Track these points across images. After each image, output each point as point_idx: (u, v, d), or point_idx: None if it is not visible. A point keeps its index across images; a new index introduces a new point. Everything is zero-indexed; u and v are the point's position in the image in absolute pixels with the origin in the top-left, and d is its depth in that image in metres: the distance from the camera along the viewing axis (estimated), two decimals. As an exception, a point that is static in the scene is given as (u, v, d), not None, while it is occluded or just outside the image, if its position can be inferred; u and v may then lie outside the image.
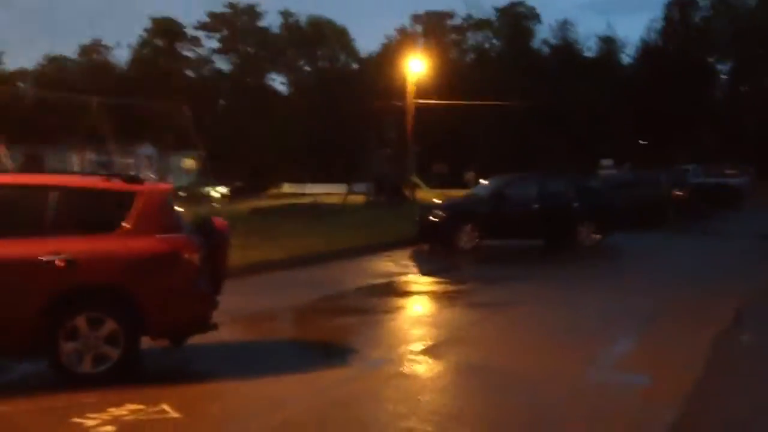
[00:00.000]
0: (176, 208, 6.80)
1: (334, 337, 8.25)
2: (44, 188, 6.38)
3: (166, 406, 5.46)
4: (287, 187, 54.78)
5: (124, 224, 6.31)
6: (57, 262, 6.01)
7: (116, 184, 6.55)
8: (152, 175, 39.04)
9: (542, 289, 11.46)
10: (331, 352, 7.51)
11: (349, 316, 9.34)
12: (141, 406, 5.46)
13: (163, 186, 7.32)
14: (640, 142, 54.41)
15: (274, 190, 52.75)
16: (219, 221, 7.15)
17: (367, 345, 7.72)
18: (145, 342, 6.50)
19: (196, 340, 6.79)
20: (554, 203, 17.10)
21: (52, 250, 6.04)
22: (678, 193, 24.04)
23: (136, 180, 6.72)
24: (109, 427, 5.08)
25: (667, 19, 63.44)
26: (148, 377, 6.36)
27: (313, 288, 11.25)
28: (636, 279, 12.64)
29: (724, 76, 64.55)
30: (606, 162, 46.14)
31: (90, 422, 5.16)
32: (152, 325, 6.31)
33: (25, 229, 6.21)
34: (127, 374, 6.13)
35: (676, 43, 60.92)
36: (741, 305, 9.57)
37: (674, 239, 18.91)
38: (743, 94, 60.47)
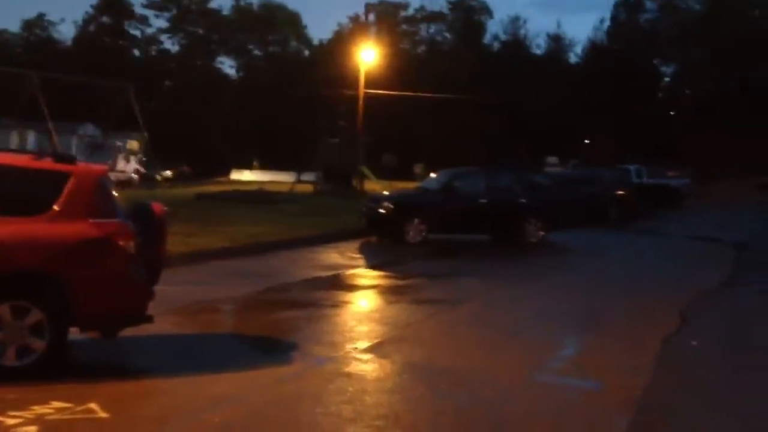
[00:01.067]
0: (112, 191, 6.40)
1: (276, 331, 7.96)
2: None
3: (94, 405, 5.10)
4: (235, 174, 53.87)
5: (54, 207, 5.90)
6: (-21, 246, 5.58)
7: (47, 164, 6.12)
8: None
9: (489, 286, 11.38)
10: (273, 348, 7.24)
11: (293, 310, 9.05)
12: (67, 404, 5.09)
13: (98, 167, 6.86)
14: (585, 141, 55.28)
15: (222, 177, 51.79)
16: (157, 206, 6.76)
17: (311, 341, 7.44)
18: (75, 334, 6.11)
19: (130, 332, 6.41)
20: (502, 198, 17.09)
21: (-27, 233, 5.60)
22: (621, 192, 24.47)
23: (68, 159, 6.26)
24: (31, 427, 4.71)
25: (614, 19, 64.57)
26: (76, 372, 5.95)
27: (257, 279, 10.93)
28: (581, 278, 12.70)
29: (666, 79, 66.08)
30: (551, 159, 46.70)
31: (10, 421, 4.78)
32: (81, 315, 5.92)
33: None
34: (54, 368, 5.72)
35: (621, 44, 61.97)
36: (685, 308, 9.63)
37: (617, 237, 19.14)
38: (685, 97, 61.93)
